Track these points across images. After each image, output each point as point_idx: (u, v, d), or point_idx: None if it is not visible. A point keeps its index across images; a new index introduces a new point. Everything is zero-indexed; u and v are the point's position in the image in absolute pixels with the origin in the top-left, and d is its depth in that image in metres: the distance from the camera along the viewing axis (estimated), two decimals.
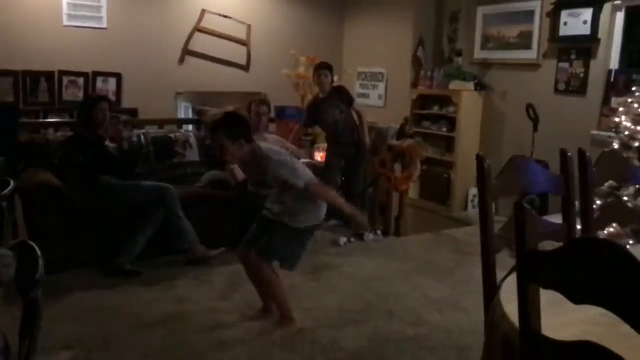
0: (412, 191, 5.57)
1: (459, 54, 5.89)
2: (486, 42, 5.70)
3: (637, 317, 0.90)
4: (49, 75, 5.59)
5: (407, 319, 3.04)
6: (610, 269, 0.92)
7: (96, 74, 5.80)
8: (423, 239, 4.62)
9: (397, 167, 4.76)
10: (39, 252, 1.28)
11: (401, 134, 4.86)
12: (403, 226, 4.78)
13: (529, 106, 5.00)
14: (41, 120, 5.39)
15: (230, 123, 2.86)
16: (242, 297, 3.26)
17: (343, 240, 4.41)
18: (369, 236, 4.54)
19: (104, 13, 5.78)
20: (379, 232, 4.65)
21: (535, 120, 4.97)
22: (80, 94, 5.67)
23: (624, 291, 0.91)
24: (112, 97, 5.75)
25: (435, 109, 5.91)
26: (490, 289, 1.72)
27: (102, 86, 5.85)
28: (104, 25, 5.79)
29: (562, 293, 1.04)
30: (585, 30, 4.72)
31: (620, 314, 0.91)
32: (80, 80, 5.75)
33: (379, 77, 6.64)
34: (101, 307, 3.10)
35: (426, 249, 4.32)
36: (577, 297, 1.00)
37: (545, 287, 1.10)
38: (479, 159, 1.74)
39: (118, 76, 5.88)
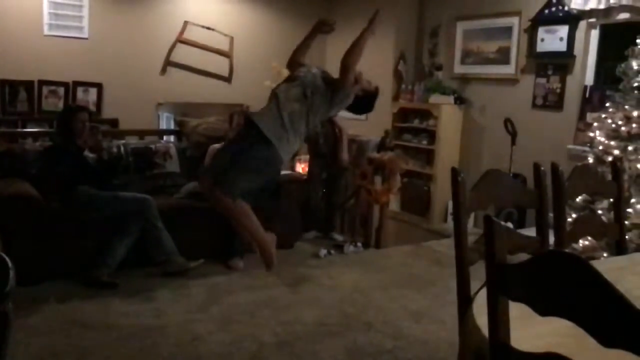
0: (393, 203, 5.60)
1: (439, 68, 5.98)
2: (466, 57, 5.79)
3: (600, 329, 0.92)
4: (28, 84, 5.54)
5: (386, 332, 3.05)
6: (573, 283, 0.94)
7: (77, 83, 5.76)
8: (403, 251, 4.65)
9: (378, 179, 4.79)
10: (10, 264, 1.26)
11: (382, 146, 4.90)
12: (383, 238, 4.80)
13: (507, 120, 5.08)
14: (20, 130, 5.33)
15: None
16: (220, 309, 3.25)
17: (323, 252, 4.41)
18: (349, 248, 4.56)
19: (85, 23, 5.76)
20: (359, 244, 4.67)
21: (513, 135, 5.05)
22: (61, 104, 5.62)
23: (587, 304, 0.93)
24: (93, 108, 5.72)
25: (416, 122, 5.97)
26: (465, 302, 1.74)
27: (83, 96, 5.82)
28: (86, 35, 5.77)
29: (530, 306, 1.06)
30: (562, 47, 4.83)
31: (584, 327, 0.94)
32: (61, 90, 5.71)
33: None
34: (77, 319, 3.06)
35: (406, 261, 4.34)
36: (543, 309, 1.02)
37: (514, 300, 1.12)
38: (454, 173, 1.76)
39: (99, 86, 5.85)
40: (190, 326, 3.02)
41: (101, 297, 3.34)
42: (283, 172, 4.55)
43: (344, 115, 6.18)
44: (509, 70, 5.35)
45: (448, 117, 5.67)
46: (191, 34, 6.26)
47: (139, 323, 3.04)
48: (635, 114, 3.43)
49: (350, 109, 3.22)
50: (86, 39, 5.77)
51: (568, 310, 0.96)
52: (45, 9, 5.54)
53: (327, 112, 3.11)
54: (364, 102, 3.27)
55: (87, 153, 3.84)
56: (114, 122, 5.75)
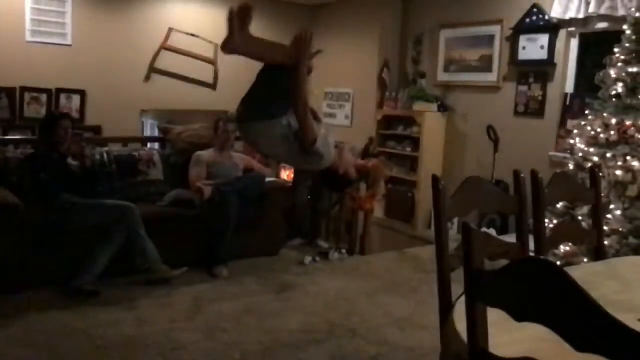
0: (378, 210, 5.62)
1: (422, 76, 6.03)
2: (449, 64, 5.85)
3: (573, 334, 0.94)
4: (10, 91, 5.49)
5: (370, 338, 3.06)
6: (547, 288, 0.96)
7: (59, 90, 5.72)
8: (387, 258, 4.66)
9: (362, 186, 4.82)
10: None
11: (366, 153, 4.93)
12: (368, 245, 4.82)
13: (490, 127, 5.14)
14: (1, 137, 5.27)
15: None
16: (204, 318, 3.23)
17: (308, 259, 4.41)
18: (334, 255, 4.57)
19: (68, 29, 5.73)
20: (343, 251, 4.68)
21: (495, 141, 5.11)
22: (43, 111, 5.58)
23: (560, 309, 0.95)
24: (76, 115, 5.69)
25: (400, 129, 6.01)
26: (445, 307, 1.75)
27: (66, 103, 5.78)
28: (69, 41, 5.74)
29: (506, 311, 1.07)
30: (543, 55, 4.90)
31: (557, 331, 0.96)
32: (43, 97, 5.67)
33: (346, 97, 6.73)
34: (58, 329, 3.02)
35: (390, 268, 4.36)
36: (519, 315, 1.03)
37: (491, 306, 1.14)
38: (434, 180, 1.78)
39: (82, 93, 5.82)
40: (173, 335, 3.00)
41: (83, 306, 3.30)
42: (268, 179, 4.57)
43: (329, 122, 6.23)
44: (491, 77, 5.41)
45: (431, 124, 5.72)
46: (175, 41, 6.26)
47: (121, 332, 3.01)
48: (613, 121, 3.49)
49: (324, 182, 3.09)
50: (69, 45, 5.74)
51: (542, 316, 0.97)
52: (28, 15, 5.50)
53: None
54: (337, 181, 3.03)
55: (70, 160, 3.81)
56: (97, 129, 5.72)
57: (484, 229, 4.44)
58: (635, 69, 3.45)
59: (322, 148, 2.69)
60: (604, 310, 0.88)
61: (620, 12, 4.16)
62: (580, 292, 0.90)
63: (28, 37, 5.53)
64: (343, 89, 6.75)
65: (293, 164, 2.88)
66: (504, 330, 1.20)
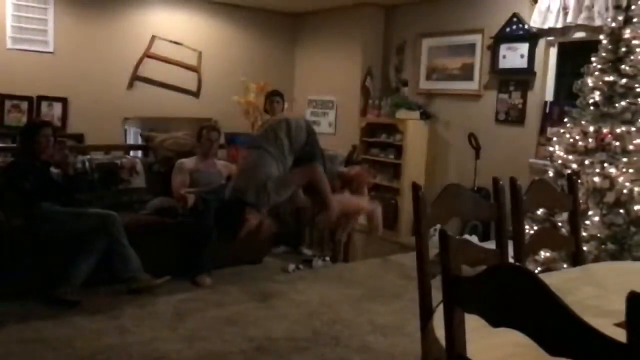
0: (362, 217, 5.63)
1: (405, 84, 6.09)
2: (431, 73, 5.92)
3: (546, 338, 0.96)
4: None
5: (353, 346, 3.07)
6: (521, 294, 0.98)
7: (41, 98, 5.67)
8: (371, 265, 4.68)
9: (346, 193, 4.82)
10: None
11: (349, 161, 4.95)
12: (352, 252, 4.83)
13: (471, 135, 5.20)
14: None
15: None
16: (187, 327, 3.22)
17: (292, 267, 4.41)
18: (317, 262, 4.57)
19: (50, 37, 5.69)
20: (327, 258, 4.69)
21: (477, 149, 5.17)
22: (24, 119, 5.52)
23: (533, 314, 0.97)
24: (58, 122, 5.63)
25: (383, 137, 6.05)
26: (426, 314, 1.77)
27: (47, 111, 5.72)
28: (51, 49, 5.70)
29: (482, 317, 1.10)
30: (523, 63, 4.98)
31: (531, 336, 0.98)
32: (24, 105, 5.61)
33: (330, 105, 6.77)
34: (38, 339, 2.98)
35: (374, 275, 4.38)
36: (495, 321, 1.05)
37: (468, 312, 1.16)
38: (414, 187, 1.81)
39: (64, 101, 5.77)
40: (156, 344, 2.98)
41: (64, 316, 3.27)
42: None
43: (315, 130, 6.25)
44: (472, 86, 5.48)
45: (414, 132, 5.76)
46: (159, 49, 6.24)
47: (103, 342, 2.99)
48: (591, 129, 3.55)
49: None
50: (51, 52, 5.70)
51: (516, 321, 0.99)
52: (8, 22, 5.46)
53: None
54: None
55: (52, 169, 3.77)
56: (79, 137, 5.67)
57: (466, 236, 4.48)
58: (611, 78, 3.52)
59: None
60: (575, 315, 0.90)
61: (597, 22, 4.25)
62: (552, 297, 0.92)
63: (9, 45, 5.47)
64: (327, 97, 6.78)
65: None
66: (482, 336, 1.22)
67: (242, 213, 3.13)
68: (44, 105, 5.71)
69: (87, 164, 4.23)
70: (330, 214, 3.29)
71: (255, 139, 3.58)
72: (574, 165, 3.56)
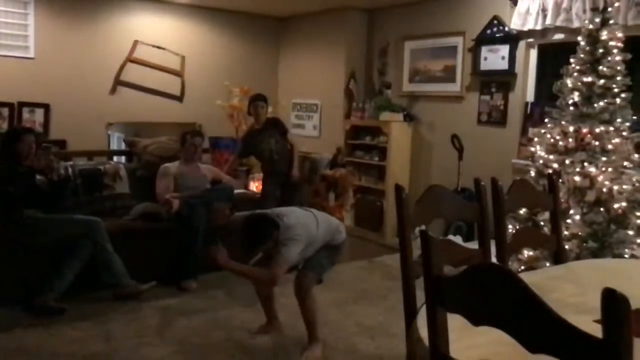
0: (348, 219, 5.66)
1: (388, 86, 6.13)
2: (414, 75, 5.96)
3: (526, 336, 0.98)
4: None
5: (340, 348, 3.08)
6: (501, 293, 1.00)
7: (22, 104, 5.61)
8: (357, 267, 4.70)
9: (331, 196, 4.85)
10: None
11: (334, 164, 4.97)
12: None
13: (454, 136, 5.25)
14: None
15: None
16: (173, 332, 3.21)
17: None
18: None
19: (31, 42, 5.63)
20: None
21: (460, 150, 5.21)
22: (5, 125, 5.46)
23: (513, 312, 0.99)
24: (40, 129, 5.59)
25: (368, 139, 6.08)
26: (410, 315, 1.79)
27: (29, 117, 5.67)
28: (31, 54, 5.64)
29: (464, 316, 1.11)
30: (504, 65, 5.04)
31: (512, 334, 1.00)
32: (5, 111, 5.55)
33: (314, 109, 6.78)
34: (22, 348, 2.95)
35: (360, 277, 4.39)
36: (476, 319, 1.07)
37: (450, 311, 1.17)
38: (397, 189, 1.83)
39: (46, 107, 5.72)
40: (142, 350, 2.97)
41: (48, 324, 3.24)
42: (237, 191, 4.57)
43: (297, 133, 6.28)
44: (454, 88, 5.53)
45: (398, 134, 5.80)
46: (142, 53, 6.21)
47: (89, 349, 2.97)
48: (571, 129, 3.60)
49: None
50: (32, 58, 5.64)
51: (496, 319, 1.02)
52: None
53: None
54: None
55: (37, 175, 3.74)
56: (62, 143, 5.62)
57: (450, 236, 4.52)
58: (590, 79, 3.58)
59: None
60: (553, 312, 0.92)
61: (575, 24, 4.32)
62: (531, 295, 0.94)
63: None
64: (311, 100, 6.80)
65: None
66: (465, 336, 1.24)
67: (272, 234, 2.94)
68: (26, 111, 5.65)
69: (70, 170, 4.19)
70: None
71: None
72: (555, 165, 3.61)
